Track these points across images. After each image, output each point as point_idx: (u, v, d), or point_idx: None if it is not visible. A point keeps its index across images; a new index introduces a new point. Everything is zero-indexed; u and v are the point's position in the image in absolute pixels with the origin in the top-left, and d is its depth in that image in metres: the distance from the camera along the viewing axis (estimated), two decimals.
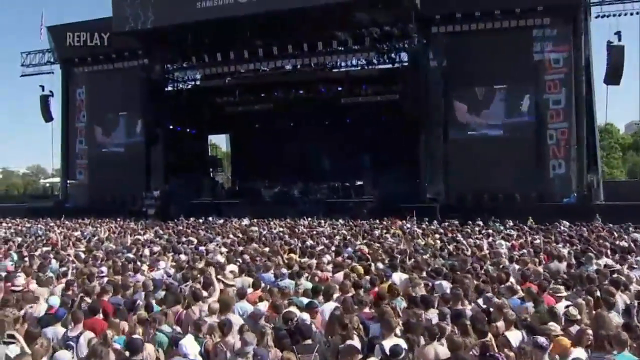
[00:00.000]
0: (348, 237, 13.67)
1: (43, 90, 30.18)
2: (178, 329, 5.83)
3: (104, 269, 8.74)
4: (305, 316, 5.78)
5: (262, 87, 29.19)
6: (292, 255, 10.00)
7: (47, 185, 56.90)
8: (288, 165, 29.33)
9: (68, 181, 30.96)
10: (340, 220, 19.15)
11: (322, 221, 19.11)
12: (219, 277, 7.72)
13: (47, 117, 30.71)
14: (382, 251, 10.78)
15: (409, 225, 16.57)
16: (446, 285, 7.36)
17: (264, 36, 24.72)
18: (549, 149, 21.77)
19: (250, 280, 7.95)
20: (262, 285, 7.57)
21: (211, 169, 34.29)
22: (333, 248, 11.42)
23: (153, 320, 5.66)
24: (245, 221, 19.60)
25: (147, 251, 10.78)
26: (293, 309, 6.28)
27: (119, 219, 22.10)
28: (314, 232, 15.16)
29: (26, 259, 10.21)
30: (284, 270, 8.30)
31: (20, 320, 5.75)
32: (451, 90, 23.08)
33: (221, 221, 19.82)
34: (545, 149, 21.82)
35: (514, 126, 22.13)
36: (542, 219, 17.69)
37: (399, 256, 10.14)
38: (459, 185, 22.76)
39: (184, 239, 13.47)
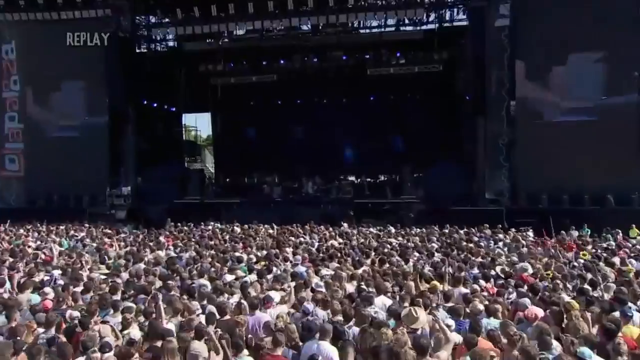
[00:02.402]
0: (453, 253, 12.39)
1: None
2: None
3: (197, 304, 7.52)
4: None
5: (264, 52, 27.66)
6: (434, 282, 8.76)
7: None
8: (294, 154, 28.61)
9: None
10: (392, 228, 18.27)
11: (379, 228, 18.14)
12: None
13: None
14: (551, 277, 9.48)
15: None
16: None
17: None
18: None
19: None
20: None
21: (187, 158, 32.91)
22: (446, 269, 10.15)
23: None
24: (267, 228, 18.35)
25: (228, 277, 9.28)
26: None
27: (87, 225, 20.28)
28: (393, 244, 14.15)
29: (48, 291, 8.33)
30: (480, 306, 7.17)
31: None
32: (522, 60, 21.81)
33: (238, 229, 18.37)
34: None
35: (611, 106, 20.68)
36: None
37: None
38: (529, 183, 21.71)
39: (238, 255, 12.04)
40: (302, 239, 15.39)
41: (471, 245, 13.85)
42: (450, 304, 7.73)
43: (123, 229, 19.83)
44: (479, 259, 11.44)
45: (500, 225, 18.14)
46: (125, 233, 18.28)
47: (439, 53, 25.75)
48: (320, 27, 24.57)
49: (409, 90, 28.29)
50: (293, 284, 8.62)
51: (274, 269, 10.25)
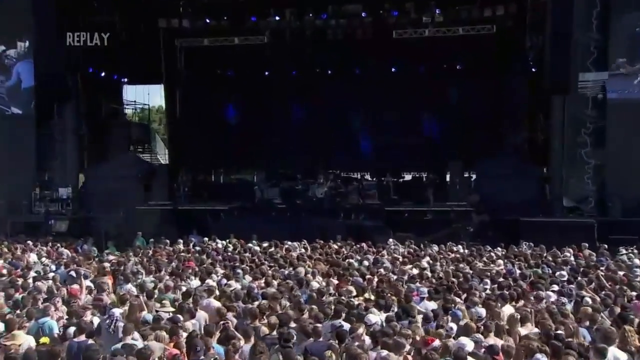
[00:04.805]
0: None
1: None
2: None
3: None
4: None
5: (253, 5, 25.61)
6: None
7: None
8: (291, 143, 27.68)
9: None
10: (459, 247, 17.46)
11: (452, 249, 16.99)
12: None
13: None
14: None
15: None
16: None
17: None
18: None
19: None
20: None
21: (131, 146, 30.92)
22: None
23: None
24: (296, 247, 17.45)
25: (372, 318, 8.79)
26: None
27: (29, 242, 18.28)
28: (498, 271, 13.19)
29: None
30: None
31: None
32: (618, 19, 20.87)
33: (257, 247, 17.12)
34: None
35: None
36: None
37: None
38: (622, 186, 20.95)
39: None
40: (362, 262, 14.41)
41: (602, 272, 12.88)
42: None
43: (82, 247, 18.46)
44: None
45: (605, 245, 17.16)
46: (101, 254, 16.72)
47: (493, 8, 24.25)
48: None
49: (449, 59, 27.31)
50: (454, 326, 8.56)
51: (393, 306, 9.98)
